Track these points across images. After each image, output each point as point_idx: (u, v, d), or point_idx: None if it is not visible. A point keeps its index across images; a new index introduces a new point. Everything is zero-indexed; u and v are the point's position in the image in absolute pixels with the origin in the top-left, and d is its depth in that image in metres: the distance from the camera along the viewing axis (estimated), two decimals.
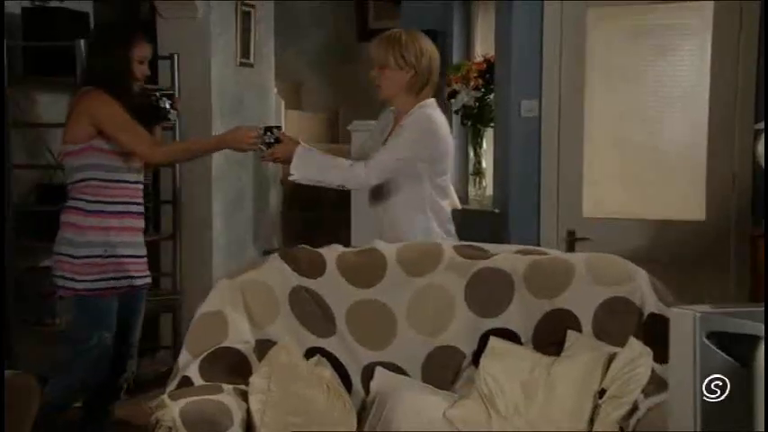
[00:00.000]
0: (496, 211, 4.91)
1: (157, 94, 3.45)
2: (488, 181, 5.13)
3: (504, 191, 4.88)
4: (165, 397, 2.61)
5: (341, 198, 5.80)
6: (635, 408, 2.63)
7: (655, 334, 2.78)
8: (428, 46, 3.47)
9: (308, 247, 3.08)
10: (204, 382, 2.74)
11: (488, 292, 2.94)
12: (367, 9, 6.93)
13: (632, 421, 2.60)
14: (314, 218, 5.84)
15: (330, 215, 5.80)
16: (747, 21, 4.47)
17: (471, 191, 5.22)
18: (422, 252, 3.03)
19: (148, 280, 3.74)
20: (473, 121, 5.12)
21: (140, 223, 3.67)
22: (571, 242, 4.63)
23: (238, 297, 2.92)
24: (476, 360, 2.90)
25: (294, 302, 2.94)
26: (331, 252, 3.05)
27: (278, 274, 2.96)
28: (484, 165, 5.16)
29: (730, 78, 4.51)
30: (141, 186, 3.68)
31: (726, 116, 4.52)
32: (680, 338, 1.65)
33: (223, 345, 2.84)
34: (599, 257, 2.98)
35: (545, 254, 3.04)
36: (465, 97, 5.04)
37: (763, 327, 1.56)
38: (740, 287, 4.35)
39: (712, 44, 4.55)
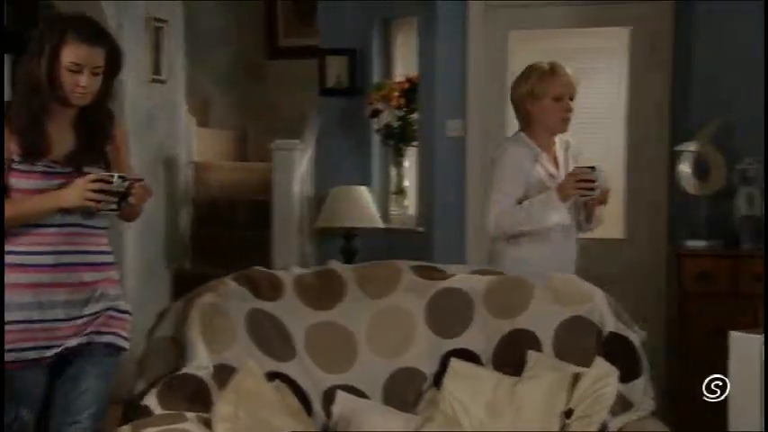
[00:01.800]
0: (421, 230, 4.93)
1: (114, 175, 2.49)
2: (411, 200, 5.14)
3: (429, 210, 4.90)
4: (126, 428, 2.48)
5: (255, 218, 5.71)
6: (603, 428, 2.66)
7: (614, 353, 2.83)
8: None
9: (263, 268, 3.00)
10: (164, 411, 2.62)
11: (448, 312, 2.93)
12: (276, 27, 6.86)
13: None
14: (228, 237, 5.71)
15: (244, 235, 5.68)
16: (661, 46, 4.64)
17: (393, 210, 5.22)
18: (380, 273, 3.00)
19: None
20: (395, 140, 5.12)
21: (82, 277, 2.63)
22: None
23: (194, 321, 2.80)
24: (437, 381, 2.88)
25: (251, 326, 2.85)
26: (288, 274, 2.98)
27: (234, 297, 2.87)
28: (406, 183, 5.16)
29: (646, 101, 4.67)
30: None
31: (642, 138, 4.68)
32: (743, 363, 1.66)
33: (181, 371, 2.72)
34: (557, 277, 3.01)
35: (502, 274, 3.05)
36: (388, 116, 5.03)
37: None
38: (666, 303, 4.48)
39: (629, 68, 4.71)
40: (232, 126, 6.83)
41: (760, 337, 1.64)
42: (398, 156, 5.17)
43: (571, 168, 3.28)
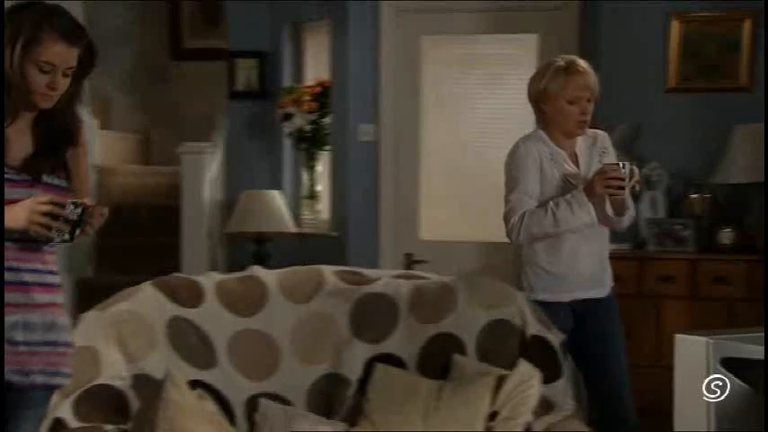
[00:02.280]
0: (334, 234, 4.91)
1: (69, 202, 2.12)
2: (323, 205, 5.11)
3: (342, 214, 4.88)
4: None
5: (161, 223, 5.58)
6: (527, 429, 2.69)
7: (536, 355, 2.87)
8: None
9: (183, 274, 2.93)
10: (81, 424, 2.53)
11: (373, 317, 2.92)
12: (180, 27, 6.72)
13: None
14: (133, 244, 5.56)
15: (150, 241, 5.55)
16: (569, 52, 4.71)
17: (305, 214, 5.18)
18: (303, 278, 2.97)
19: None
20: (307, 144, 5.08)
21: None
22: (408, 264, 4.69)
23: (110, 330, 2.72)
24: (361, 387, 2.87)
25: (172, 334, 2.78)
26: (209, 279, 2.92)
27: (153, 305, 2.80)
28: (319, 188, 5.13)
29: None
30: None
31: None
32: (691, 365, 1.68)
33: (97, 382, 2.63)
34: (479, 281, 3.04)
35: (425, 278, 3.06)
36: (299, 120, 4.99)
37: None
38: None
39: None
40: (134, 129, 6.66)
41: (705, 340, 1.67)
42: (311, 160, 5.13)
43: (596, 166, 3.05)
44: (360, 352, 2.89)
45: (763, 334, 1.67)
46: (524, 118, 4.86)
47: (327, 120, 5.01)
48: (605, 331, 3.10)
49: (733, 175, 4.12)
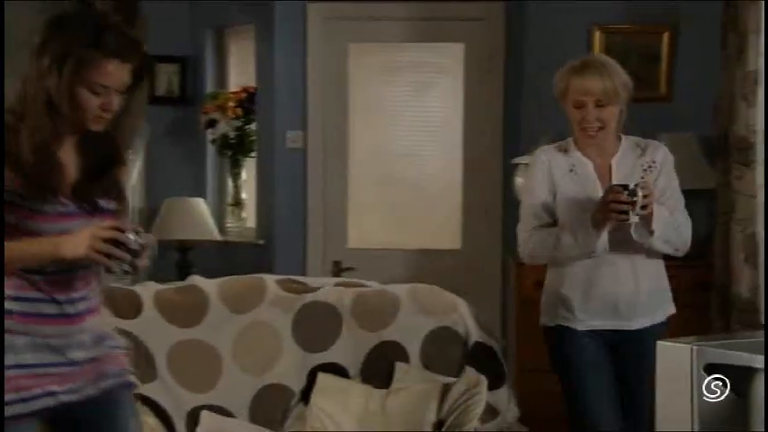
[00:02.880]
0: (260, 242, 4.84)
1: (131, 231, 1.95)
2: (249, 212, 5.04)
3: (269, 222, 4.82)
4: None
5: None
6: None
7: (480, 362, 2.88)
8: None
9: (119, 285, 2.84)
10: None
11: (315, 326, 2.90)
12: None
13: None
14: None
15: None
16: (495, 62, 4.80)
17: (230, 223, 5.09)
18: (244, 287, 2.92)
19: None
20: (232, 150, 5.00)
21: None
22: (337, 272, 4.66)
23: None
24: (305, 397, 2.84)
25: None
26: (147, 290, 2.84)
27: None
28: (244, 196, 5.06)
29: (481, 115, 4.80)
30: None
31: (478, 151, 4.81)
32: (674, 372, 1.70)
33: None
34: (421, 288, 3.04)
35: (366, 286, 3.04)
36: (224, 127, 4.91)
37: (763, 358, 1.63)
38: (500, 311, 4.63)
39: (464, 82, 4.83)
40: None
41: (689, 347, 1.69)
42: (235, 167, 5.05)
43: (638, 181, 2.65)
44: (302, 361, 2.87)
45: (749, 339, 1.71)
46: (452, 125, 4.94)
47: (253, 126, 4.94)
48: (639, 367, 2.71)
49: None
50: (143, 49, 2.06)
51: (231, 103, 4.95)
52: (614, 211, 2.55)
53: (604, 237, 2.62)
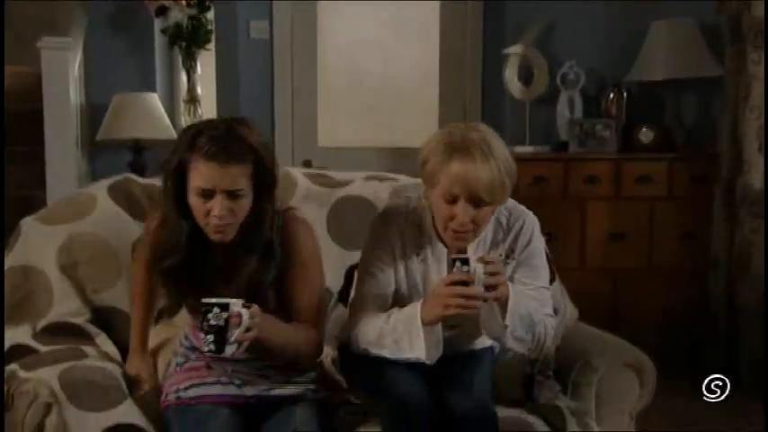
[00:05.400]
0: None
1: (235, 307, 1.81)
2: (205, 109, 4.68)
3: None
4: (16, 368, 1.98)
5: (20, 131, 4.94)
6: None
7: None
8: None
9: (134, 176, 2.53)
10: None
11: (351, 222, 2.65)
12: None
13: None
14: None
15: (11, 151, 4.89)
16: None
17: (185, 120, 4.72)
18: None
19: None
20: (186, 41, 4.60)
21: None
22: None
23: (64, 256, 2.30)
24: (342, 298, 2.61)
25: None
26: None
27: (114, 223, 2.39)
28: (199, 91, 4.68)
29: (460, 7, 4.56)
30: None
31: (456, 45, 4.57)
32: None
33: (53, 321, 2.24)
34: None
35: (396, 180, 2.81)
36: (178, 15, 4.50)
37: None
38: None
39: None
40: None
41: None
42: (190, 60, 4.65)
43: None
44: (340, 259, 2.62)
45: None
46: (428, 16, 4.65)
47: (210, 15, 4.55)
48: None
49: (650, 71, 4.09)
50: (249, 151, 1.90)
51: None
52: (459, 295, 1.89)
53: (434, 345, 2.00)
